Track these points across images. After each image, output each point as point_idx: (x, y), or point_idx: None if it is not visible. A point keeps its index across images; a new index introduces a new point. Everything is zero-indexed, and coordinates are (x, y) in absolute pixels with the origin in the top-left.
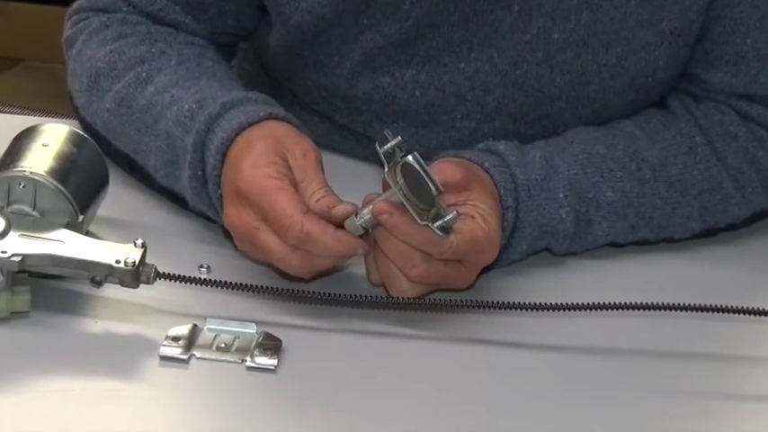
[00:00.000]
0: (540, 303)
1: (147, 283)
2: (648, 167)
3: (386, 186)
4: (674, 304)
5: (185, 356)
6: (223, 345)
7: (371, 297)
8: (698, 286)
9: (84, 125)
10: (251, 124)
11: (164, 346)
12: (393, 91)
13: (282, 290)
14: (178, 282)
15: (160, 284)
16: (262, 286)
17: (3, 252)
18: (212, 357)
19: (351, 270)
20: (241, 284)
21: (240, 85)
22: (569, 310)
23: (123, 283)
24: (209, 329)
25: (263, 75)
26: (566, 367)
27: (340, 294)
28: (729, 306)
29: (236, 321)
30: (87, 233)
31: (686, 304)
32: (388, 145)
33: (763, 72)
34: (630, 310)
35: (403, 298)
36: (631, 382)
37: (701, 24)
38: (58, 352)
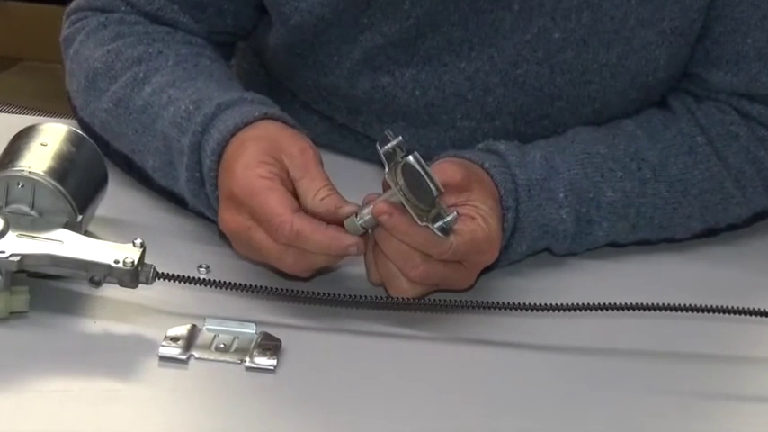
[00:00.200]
0: (541, 304)
1: (146, 283)
2: (649, 167)
3: (386, 187)
4: (674, 305)
5: (184, 357)
6: (222, 345)
7: (371, 297)
8: (698, 286)
9: (83, 125)
10: (246, 125)
11: (163, 346)
12: (393, 91)
13: (282, 290)
14: (177, 282)
15: (159, 284)
16: (261, 286)
17: (1, 252)
18: (211, 358)
19: (350, 270)
20: (240, 284)
21: (238, 85)
22: (569, 310)
23: (122, 283)
24: (209, 330)
25: (263, 74)
26: (566, 367)
27: (339, 294)
28: (730, 306)
29: (235, 321)
30: (86, 233)
31: (686, 305)
32: (389, 145)
33: (764, 71)
34: (631, 311)
35: (403, 298)
36: (631, 382)
37: (701, 24)
38: (57, 352)
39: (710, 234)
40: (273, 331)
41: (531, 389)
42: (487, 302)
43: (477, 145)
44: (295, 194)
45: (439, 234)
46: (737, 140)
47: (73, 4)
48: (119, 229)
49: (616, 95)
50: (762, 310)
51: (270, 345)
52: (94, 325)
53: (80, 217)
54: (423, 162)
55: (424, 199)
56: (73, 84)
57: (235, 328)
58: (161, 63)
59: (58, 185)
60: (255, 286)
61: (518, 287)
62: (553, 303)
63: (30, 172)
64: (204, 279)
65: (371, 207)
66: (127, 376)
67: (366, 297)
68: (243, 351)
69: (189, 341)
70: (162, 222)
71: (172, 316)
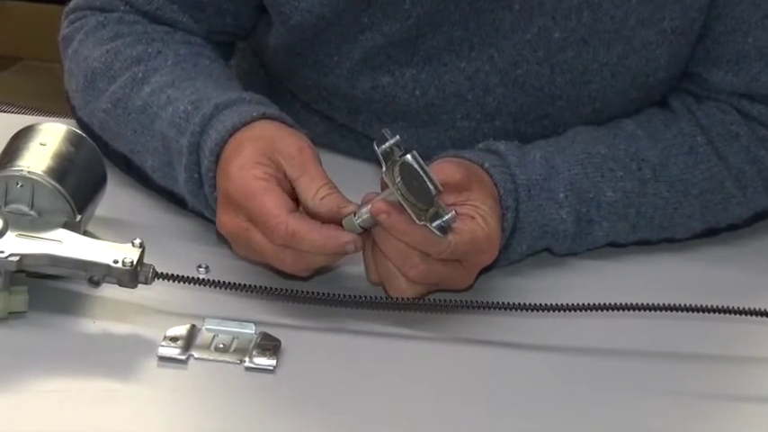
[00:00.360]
0: (541, 304)
1: (146, 283)
2: (649, 167)
3: (384, 186)
4: (674, 305)
5: (183, 357)
6: (221, 345)
7: (370, 297)
8: (698, 286)
9: (81, 125)
10: (244, 125)
11: (162, 346)
12: (393, 90)
13: (281, 290)
14: (176, 282)
15: (158, 284)
16: (260, 286)
17: (0, 252)
18: (211, 358)
19: (349, 270)
20: (240, 284)
21: (238, 85)
22: (569, 310)
23: (121, 283)
24: (208, 330)
25: (262, 74)
26: (566, 367)
27: (339, 294)
28: (730, 307)
29: (234, 322)
30: (85, 233)
31: (686, 305)
32: (386, 144)
33: (765, 71)
34: (631, 311)
35: (402, 298)
36: (631, 382)
37: (702, 23)
38: (56, 352)
39: (711, 234)
40: (273, 331)
41: (530, 389)
42: (487, 302)
43: (477, 145)
44: (293, 194)
45: (437, 233)
46: (738, 140)
47: (72, 4)
48: (118, 229)
49: (616, 95)
50: (762, 310)
51: (269, 345)
52: (93, 325)
53: (79, 217)
54: (421, 161)
55: (422, 198)
56: (72, 83)
57: (234, 328)
58: (160, 63)
59: (57, 185)
60: (255, 286)
61: (518, 287)
62: (553, 303)
63: (29, 172)
64: (203, 279)
65: (370, 206)
66: (126, 376)
67: (365, 297)
68: (242, 351)
69: (188, 341)
70: (161, 222)
71: (171, 316)
